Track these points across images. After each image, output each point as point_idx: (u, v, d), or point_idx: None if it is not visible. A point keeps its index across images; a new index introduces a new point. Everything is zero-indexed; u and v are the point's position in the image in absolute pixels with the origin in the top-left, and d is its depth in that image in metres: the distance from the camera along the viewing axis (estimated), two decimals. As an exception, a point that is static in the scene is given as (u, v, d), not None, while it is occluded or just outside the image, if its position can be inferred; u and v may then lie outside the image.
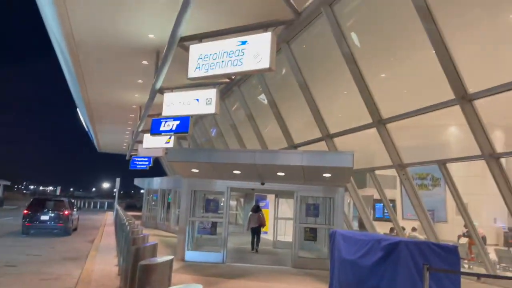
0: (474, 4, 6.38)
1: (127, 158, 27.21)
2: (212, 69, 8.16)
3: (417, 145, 9.59)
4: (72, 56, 13.31)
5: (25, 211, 15.79)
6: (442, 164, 8.26)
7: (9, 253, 10.34)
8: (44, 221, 15.54)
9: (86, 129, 31.46)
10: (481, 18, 6.45)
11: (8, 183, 56.55)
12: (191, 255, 10.21)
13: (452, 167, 8.44)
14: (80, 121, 28.72)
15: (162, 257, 4.08)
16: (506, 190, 6.74)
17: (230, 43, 7.85)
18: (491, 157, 6.75)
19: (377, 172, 10.67)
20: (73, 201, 21.61)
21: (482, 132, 6.72)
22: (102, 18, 10.51)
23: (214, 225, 11.09)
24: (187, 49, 8.63)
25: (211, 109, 10.26)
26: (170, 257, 4.15)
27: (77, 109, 25.22)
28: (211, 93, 10.27)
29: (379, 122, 8.80)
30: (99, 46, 12.46)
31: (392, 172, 9.77)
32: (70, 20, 10.55)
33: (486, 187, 8.15)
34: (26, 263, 9.14)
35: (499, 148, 6.89)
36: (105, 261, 9.40)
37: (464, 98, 6.63)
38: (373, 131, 9.13)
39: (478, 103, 6.63)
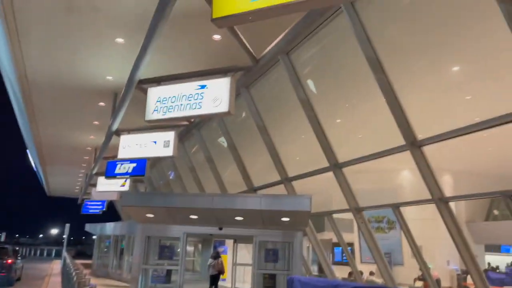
0: (420, 56, 6.84)
1: (79, 202, 26.00)
2: (171, 112, 8.13)
3: (373, 189, 9.82)
4: (24, 96, 12.86)
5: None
6: (396, 207, 8.46)
7: None
8: (-16, 271, 14.28)
9: (36, 172, 29.96)
10: (427, 69, 6.90)
11: None
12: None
13: (407, 210, 8.67)
14: (30, 163, 27.39)
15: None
16: (455, 233, 6.95)
17: (190, 87, 7.91)
18: (441, 201, 7.00)
19: (334, 215, 10.75)
20: (17, 248, 20.12)
21: (431, 177, 6.99)
22: (58, 58, 10.32)
23: (168, 273, 10.58)
24: (145, 92, 8.59)
25: (169, 151, 10.14)
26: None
27: (27, 151, 24.10)
28: (170, 136, 10.18)
29: (335, 166, 8.98)
30: (54, 86, 12.15)
31: (350, 215, 9.89)
32: (25, 59, 10.28)
33: (439, 230, 8.38)
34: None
35: (448, 192, 7.17)
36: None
37: (414, 144, 6.93)
38: (330, 174, 9.29)
39: (427, 149, 6.95)
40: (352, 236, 13.85)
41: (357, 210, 9.19)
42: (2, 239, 50.78)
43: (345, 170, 9.03)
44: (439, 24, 6.21)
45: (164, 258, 10.91)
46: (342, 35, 7.61)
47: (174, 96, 8.11)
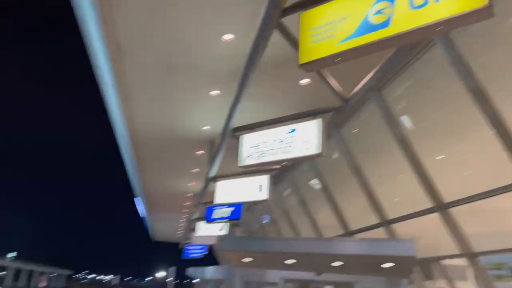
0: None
1: (180, 247, 27.23)
2: (263, 156, 8.33)
3: (490, 231, 8.75)
4: (135, 150, 14.25)
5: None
6: (520, 252, 7.38)
7: None
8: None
9: (143, 219, 32.34)
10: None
11: (70, 272, 58.19)
12: None
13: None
14: (137, 211, 29.70)
15: None
16: None
17: (281, 131, 8.07)
18: None
19: (445, 261, 9.72)
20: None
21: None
22: (161, 114, 11.39)
23: (268, 320, 10.40)
24: (239, 138, 8.96)
25: (263, 195, 10.28)
26: None
27: (135, 199, 26.22)
28: (263, 180, 10.35)
29: (441, 207, 8.24)
30: (157, 140, 13.34)
31: (463, 261, 8.87)
32: (134, 117, 11.50)
33: None
34: None
35: None
36: None
37: (535, 179, 6.10)
38: (436, 215, 8.53)
39: (552, 184, 6.06)
40: (467, 285, 12.33)
41: (471, 256, 8.22)
42: (115, 281, 55.04)
43: (453, 210, 8.22)
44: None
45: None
46: (438, 67, 7.22)
47: (266, 142, 8.33)
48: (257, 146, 8.51)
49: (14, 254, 41.54)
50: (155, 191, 21.00)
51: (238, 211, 12.93)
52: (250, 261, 9.98)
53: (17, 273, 40.96)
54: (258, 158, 8.43)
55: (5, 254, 39.77)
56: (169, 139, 13.23)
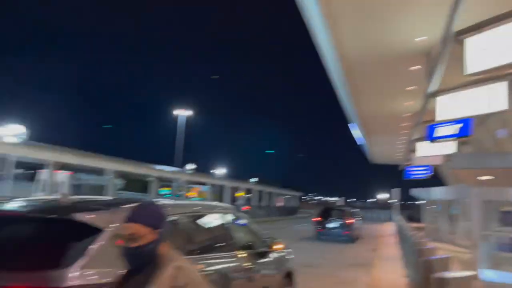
0: None
1: (399, 168, 26.79)
2: (497, 59, 7.09)
3: None
4: (345, 74, 14.34)
5: (315, 219, 17.91)
6: None
7: (306, 256, 11.84)
8: (332, 229, 17.20)
9: (359, 143, 33.02)
10: None
11: (301, 194, 66.18)
12: (487, 273, 8.94)
13: None
14: (353, 136, 30.39)
15: (457, 272, 3.72)
16: None
17: (520, 24, 6.61)
18: None
19: None
20: (354, 211, 22.88)
21: None
22: (370, 33, 10.93)
23: (516, 241, 9.38)
24: (463, 43, 7.82)
25: (500, 106, 8.87)
26: (469, 273, 3.73)
27: (350, 125, 26.78)
28: (499, 87, 8.88)
29: None
30: (368, 61, 12.96)
31: None
32: (343, 42, 11.43)
33: None
34: (321, 266, 10.25)
35: None
36: (390, 271, 9.44)
37: None
38: None
39: None
40: None
41: None
42: (342, 202, 59.59)
43: None
44: None
45: (508, 224, 9.72)
46: None
47: (499, 41, 7.02)
48: (488, 48, 7.27)
49: (255, 179, 49.72)
50: (370, 114, 20.88)
51: (467, 127, 11.61)
52: (486, 180, 9.00)
53: (260, 195, 48.93)
54: (491, 62, 7.23)
55: (249, 179, 48.03)
56: (380, 58, 12.64)
